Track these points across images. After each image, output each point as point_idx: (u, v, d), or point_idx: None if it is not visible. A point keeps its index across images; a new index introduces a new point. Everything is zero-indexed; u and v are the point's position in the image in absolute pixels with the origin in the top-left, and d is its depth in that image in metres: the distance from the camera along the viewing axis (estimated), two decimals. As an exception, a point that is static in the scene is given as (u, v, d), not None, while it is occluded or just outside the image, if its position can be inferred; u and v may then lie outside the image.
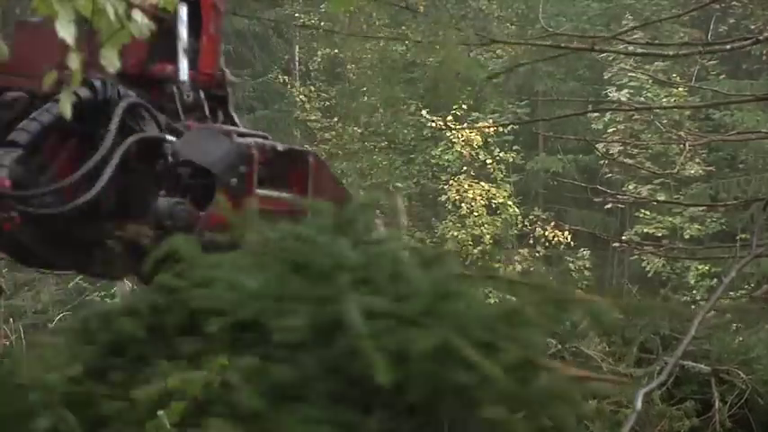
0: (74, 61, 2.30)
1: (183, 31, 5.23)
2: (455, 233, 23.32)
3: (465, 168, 23.81)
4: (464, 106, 23.62)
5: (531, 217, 23.63)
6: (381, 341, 3.22)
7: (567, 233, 22.09)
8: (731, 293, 11.26)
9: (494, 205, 23.38)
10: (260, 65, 24.34)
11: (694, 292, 19.58)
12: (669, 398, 6.00)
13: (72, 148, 5.17)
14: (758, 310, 9.49)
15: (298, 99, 25.03)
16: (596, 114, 21.59)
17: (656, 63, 21.09)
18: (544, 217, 23.55)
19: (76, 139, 5.14)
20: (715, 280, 19.06)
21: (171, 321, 3.75)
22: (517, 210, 23.30)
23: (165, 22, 4.48)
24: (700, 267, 20.67)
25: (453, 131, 23.04)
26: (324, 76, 26.37)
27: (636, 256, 21.19)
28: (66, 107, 2.31)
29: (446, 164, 24.38)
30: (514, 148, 24.08)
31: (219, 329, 3.57)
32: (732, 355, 6.56)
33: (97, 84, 5.04)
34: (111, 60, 2.36)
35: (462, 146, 23.57)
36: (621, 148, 20.78)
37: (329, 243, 3.58)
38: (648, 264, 21.33)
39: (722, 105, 19.89)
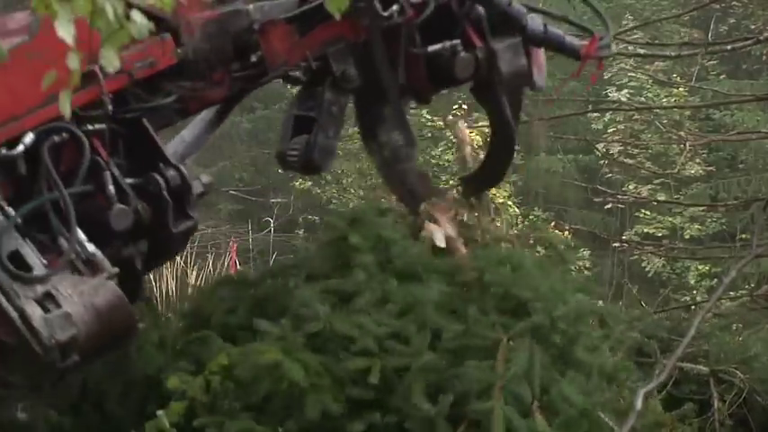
0: (73, 61, 2.30)
1: None
2: (455, 233, 23.27)
3: (465, 168, 23.75)
4: (464, 106, 23.61)
5: (531, 217, 23.61)
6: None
7: (567, 233, 22.08)
8: (731, 293, 11.26)
9: (494, 205, 23.34)
10: (260, 65, 24.29)
11: (694, 292, 19.56)
12: (669, 399, 6.01)
13: None
14: (759, 311, 9.50)
15: (298, 99, 25.00)
16: (596, 114, 21.57)
17: (656, 63, 21.07)
18: (544, 217, 23.54)
19: None
20: (715, 280, 19.04)
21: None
22: (517, 210, 23.29)
23: None
24: (700, 267, 20.64)
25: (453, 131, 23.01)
26: (324, 76, 26.33)
27: (636, 256, 21.16)
28: (65, 108, 2.32)
29: (446, 164, 24.35)
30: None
31: None
32: (730, 355, 6.57)
33: None
34: (110, 61, 2.37)
35: (462, 146, 23.52)
36: (621, 148, 20.75)
37: None
38: (648, 264, 21.31)
39: (722, 105, 19.87)
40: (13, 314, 3.97)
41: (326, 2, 2.83)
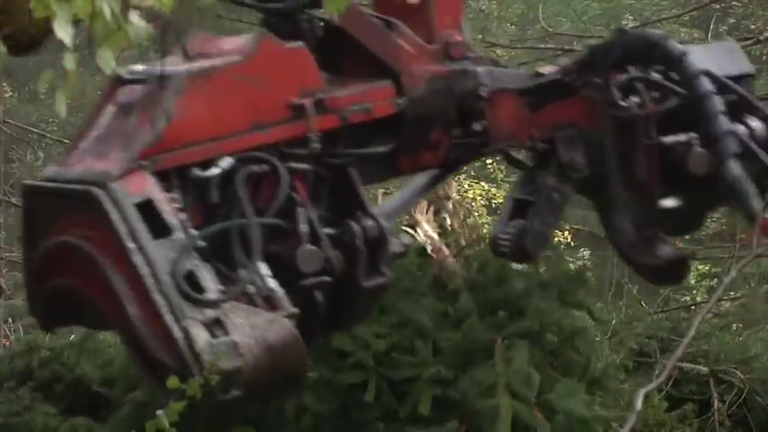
0: (69, 62, 2.30)
1: None
2: (455, 233, 23.23)
3: (465, 168, 23.74)
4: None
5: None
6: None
7: (567, 233, 22.05)
8: (731, 293, 11.25)
9: (494, 205, 23.33)
10: (260, 65, 24.27)
11: (694, 292, 19.55)
12: (668, 399, 6.01)
13: None
14: (758, 311, 9.49)
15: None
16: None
17: (656, 63, 21.02)
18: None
19: None
20: (715, 280, 19.03)
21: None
22: (517, 210, 23.25)
23: None
24: (700, 267, 20.62)
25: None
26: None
27: (636, 256, 21.16)
28: (61, 107, 2.32)
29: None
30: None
31: None
32: (730, 355, 6.56)
33: None
34: (107, 62, 2.37)
35: (462, 146, 23.51)
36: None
37: None
38: (648, 264, 21.28)
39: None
40: (178, 334, 3.76)
41: (325, 3, 2.81)
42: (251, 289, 3.99)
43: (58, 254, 4.02)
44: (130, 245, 3.81)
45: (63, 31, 2.39)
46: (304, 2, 4.43)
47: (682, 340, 5.86)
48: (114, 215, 3.84)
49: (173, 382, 4.37)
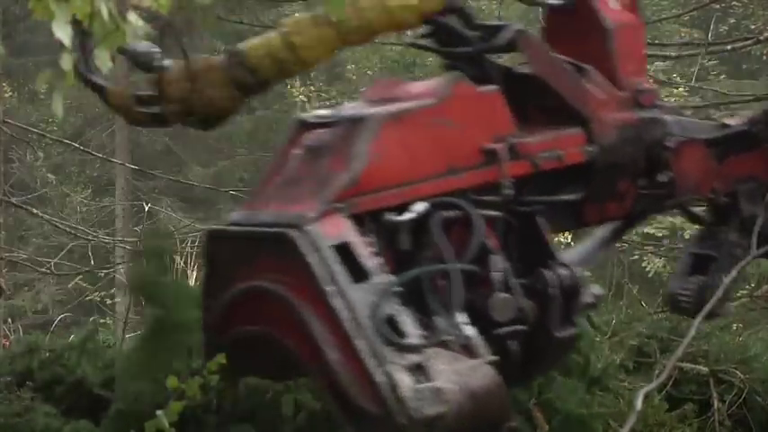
0: (66, 62, 2.31)
1: None
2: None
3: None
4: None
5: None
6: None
7: (566, 233, 22.04)
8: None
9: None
10: (260, 65, 24.30)
11: (695, 291, 19.57)
12: (668, 399, 6.02)
13: None
14: (759, 311, 9.49)
15: (298, 99, 25.01)
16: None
17: (656, 63, 21.05)
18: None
19: None
20: (715, 280, 19.01)
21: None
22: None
23: None
24: (700, 267, 20.63)
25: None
26: (324, 76, 26.35)
27: (636, 256, 21.17)
28: (58, 107, 2.32)
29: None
30: (515, 148, 23.99)
31: None
32: (730, 355, 6.57)
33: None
34: (103, 61, 2.37)
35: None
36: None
37: None
38: (648, 264, 21.31)
39: (722, 105, 19.88)
40: (380, 379, 3.64)
41: (326, 6, 2.81)
42: (448, 336, 3.88)
43: (246, 299, 3.94)
44: (329, 288, 3.72)
45: (62, 32, 2.40)
46: (494, 46, 4.37)
47: (682, 340, 5.86)
48: (312, 258, 3.75)
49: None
